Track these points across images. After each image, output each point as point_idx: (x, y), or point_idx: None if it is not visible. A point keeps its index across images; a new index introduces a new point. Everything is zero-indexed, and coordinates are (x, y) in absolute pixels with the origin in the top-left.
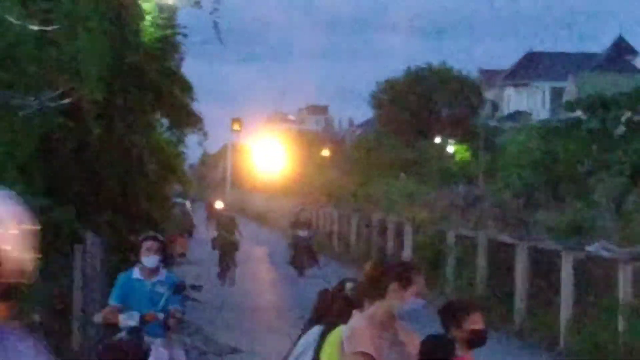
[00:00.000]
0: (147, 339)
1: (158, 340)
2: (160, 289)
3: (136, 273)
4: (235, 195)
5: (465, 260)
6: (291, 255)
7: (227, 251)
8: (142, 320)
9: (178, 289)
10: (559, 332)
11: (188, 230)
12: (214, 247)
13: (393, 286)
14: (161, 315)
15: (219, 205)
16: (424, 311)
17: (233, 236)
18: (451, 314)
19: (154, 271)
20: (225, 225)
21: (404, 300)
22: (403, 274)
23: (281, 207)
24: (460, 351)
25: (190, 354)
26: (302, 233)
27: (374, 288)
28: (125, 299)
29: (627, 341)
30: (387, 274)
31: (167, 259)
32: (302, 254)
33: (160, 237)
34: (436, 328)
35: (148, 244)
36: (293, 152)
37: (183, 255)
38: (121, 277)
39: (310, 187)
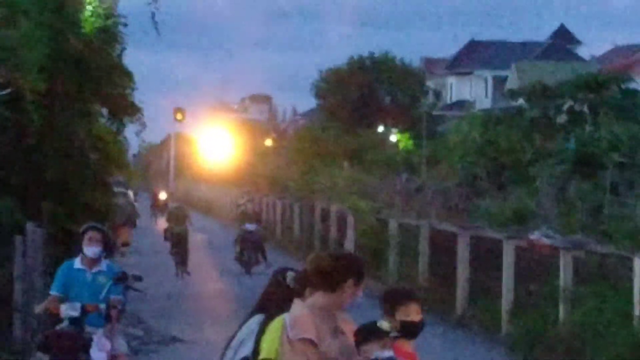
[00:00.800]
0: (88, 329)
1: (100, 331)
2: (102, 279)
3: (77, 263)
4: (179, 185)
5: (408, 248)
6: (237, 251)
7: (178, 242)
8: (84, 311)
9: (119, 279)
10: (500, 319)
11: (131, 220)
12: (165, 239)
13: (350, 282)
14: (102, 306)
15: (162, 196)
16: (366, 298)
17: (183, 227)
18: (388, 302)
19: (95, 261)
20: (176, 216)
21: (356, 295)
22: (360, 271)
23: (225, 196)
24: (399, 339)
25: (131, 343)
26: (250, 227)
27: (328, 281)
28: (67, 289)
29: (568, 328)
30: (346, 270)
31: (110, 249)
32: (250, 249)
33: (102, 228)
34: (376, 316)
35: (90, 234)
36: (237, 142)
37: (126, 245)
38: (62, 267)
39: (254, 177)
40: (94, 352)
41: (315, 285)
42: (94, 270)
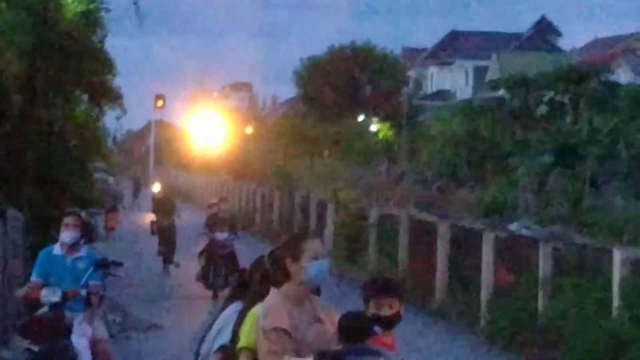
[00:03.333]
0: (68, 314)
1: (80, 316)
2: (81, 265)
3: (57, 249)
4: (158, 172)
5: (387, 238)
6: (202, 267)
7: (165, 237)
8: (64, 296)
9: (100, 265)
10: (479, 310)
11: (112, 206)
12: (152, 232)
13: (288, 262)
14: (83, 291)
15: (156, 188)
16: (346, 287)
17: (171, 220)
18: (393, 290)
19: (74, 247)
20: (162, 207)
21: (302, 269)
22: (290, 247)
23: (205, 183)
24: (380, 329)
25: (111, 329)
26: (221, 235)
27: (280, 273)
28: (47, 275)
29: (547, 319)
30: (280, 255)
31: (89, 235)
32: (220, 266)
33: (79, 213)
34: (359, 304)
35: (66, 220)
36: (217, 129)
37: (112, 229)
38: (42, 253)
39: (234, 164)
40: (74, 337)
41: (279, 282)
42: (74, 256)
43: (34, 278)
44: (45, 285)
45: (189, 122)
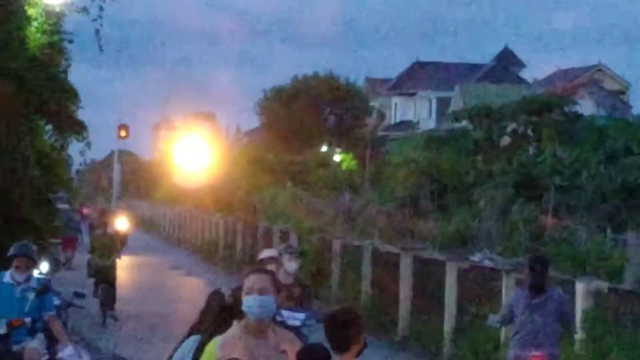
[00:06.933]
0: (14, 347)
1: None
2: (31, 295)
3: (8, 277)
4: (122, 203)
5: (351, 269)
6: None
7: (104, 280)
8: (10, 326)
9: (42, 291)
10: (442, 341)
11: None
12: (88, 275)
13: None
14: (28, 320)
15: (121, 224)
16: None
17: (111, 260)
18: (357, 324)
19: (26, 279)
20: (102, 245)
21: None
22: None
23: (167, 214)
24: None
25: None
26: (293, 320)
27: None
28: None
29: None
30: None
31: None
32: None
33: (30, 254)
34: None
35: (16, 262)
36: (180, 159)
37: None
38: None
39: (198, 195)
40: None
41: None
42: (24, 286)
43: None
44: None
45: (152, 151)
